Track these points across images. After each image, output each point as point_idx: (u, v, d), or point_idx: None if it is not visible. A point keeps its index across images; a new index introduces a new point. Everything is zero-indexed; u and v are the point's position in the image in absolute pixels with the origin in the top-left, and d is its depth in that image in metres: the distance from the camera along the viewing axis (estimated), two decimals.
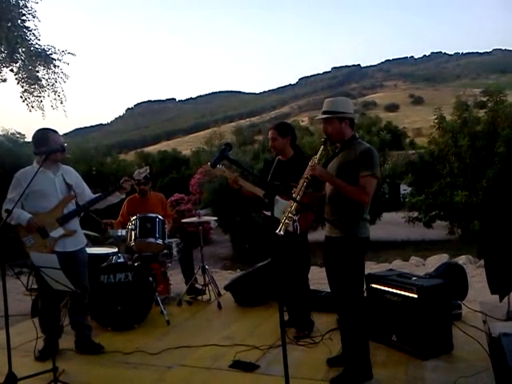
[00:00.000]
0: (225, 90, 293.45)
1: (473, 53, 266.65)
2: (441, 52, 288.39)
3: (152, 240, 4.95)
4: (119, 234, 5.09)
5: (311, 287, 4.42)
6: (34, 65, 9.12)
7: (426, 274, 4.46)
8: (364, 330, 3.20)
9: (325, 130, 3.31)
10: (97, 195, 4.13)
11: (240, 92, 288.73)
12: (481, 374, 3.13)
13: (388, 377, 3.23)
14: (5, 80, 9.17)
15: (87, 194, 4.19)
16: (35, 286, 3.97)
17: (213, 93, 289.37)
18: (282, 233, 2.99)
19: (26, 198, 3.79)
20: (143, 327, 4.59)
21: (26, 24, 8.70)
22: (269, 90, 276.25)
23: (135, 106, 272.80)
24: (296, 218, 3.88)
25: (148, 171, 4.49)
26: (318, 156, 3.26)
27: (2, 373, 3.19)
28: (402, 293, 3.61)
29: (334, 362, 3.44)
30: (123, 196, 4.31)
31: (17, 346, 3.91)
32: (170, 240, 5.33)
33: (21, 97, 9.53)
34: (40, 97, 9.56)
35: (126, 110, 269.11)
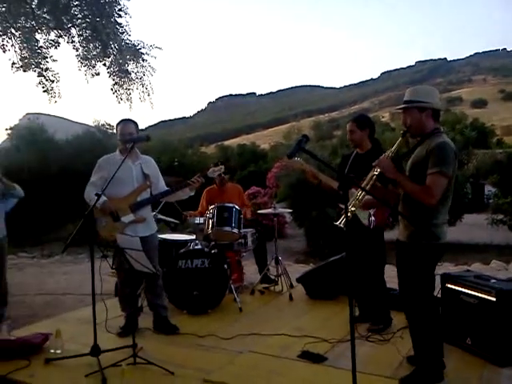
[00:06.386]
0: (305, 84, 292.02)
1: None
2: None
3: (228, 229, 5.10)
4: (197, 221, 5.28)
5: None
6: (124, 59, 9.60)
7: (508, 278, 4.25)
8: (434, 332, 3.10)
9: (404, 121, 3.11)
10: (167, 188, 4.30)
11: (320, 86, 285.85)
12: None
13: (460, 381, 3.13)
14: (98, 74, 9.71)
15: (161, 185, 4.36)
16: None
17: (293, 87, 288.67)
18: (341, 225, 2.92)
19: (106, 182, 4.06)
20: (217, 312, 4.76)
21: (119, 20, 9.16)
22: (350, 85, 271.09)
23: (217, 99, 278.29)
24: (372, 211, 3.84)
25: (222, 170, 4.50)
26: (393, 149, 3.09)
27: (88, 344, 3.47)
28: (479, 295, 3.47)
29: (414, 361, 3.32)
30: (192, 193, 4.38)
31: (100, 322, 4.19)
32: (245, 230, 5.45)
33: (111, 89, 10.07)
34: (129, 89, 10.04)
35: (208, 104, 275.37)
